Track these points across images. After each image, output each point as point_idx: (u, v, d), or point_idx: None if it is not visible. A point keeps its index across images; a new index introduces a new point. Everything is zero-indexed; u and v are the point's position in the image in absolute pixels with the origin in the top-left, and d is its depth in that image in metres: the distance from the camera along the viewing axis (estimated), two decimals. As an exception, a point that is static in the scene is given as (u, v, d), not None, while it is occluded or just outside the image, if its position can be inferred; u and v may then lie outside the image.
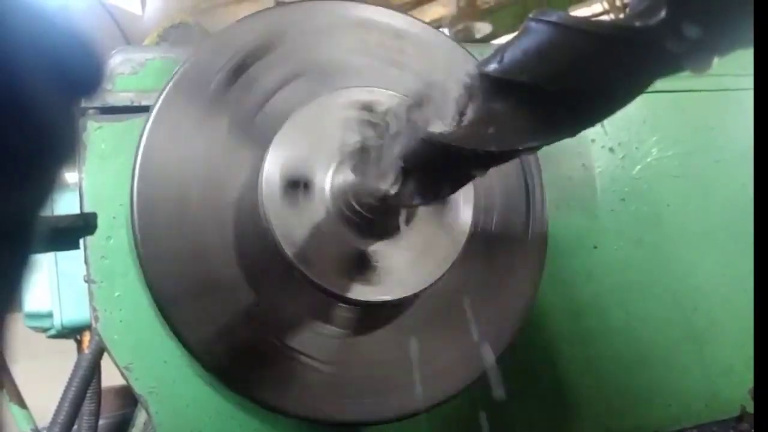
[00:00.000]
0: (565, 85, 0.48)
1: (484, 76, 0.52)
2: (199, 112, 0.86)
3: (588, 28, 0.45)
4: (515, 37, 0.51)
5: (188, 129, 0.86)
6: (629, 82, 0.47)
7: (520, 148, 0.55)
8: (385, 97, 0.85)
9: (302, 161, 0.81)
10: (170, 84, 0.87)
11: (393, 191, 0.67)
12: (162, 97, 0.86)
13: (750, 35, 0.41)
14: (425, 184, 0.65)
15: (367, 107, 0.83)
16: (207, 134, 0.86)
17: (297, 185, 0.81)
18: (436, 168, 0.63)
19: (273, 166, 0.81)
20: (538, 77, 0.49)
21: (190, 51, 0.90)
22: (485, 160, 0.58)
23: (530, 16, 0.48)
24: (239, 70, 0.88)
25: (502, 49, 0.51)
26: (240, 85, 0.88)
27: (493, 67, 0.51)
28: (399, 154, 0.64)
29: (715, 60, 0.43)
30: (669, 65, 0.44)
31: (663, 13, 0.41)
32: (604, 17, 4.63)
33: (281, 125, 0.83)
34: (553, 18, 0.46)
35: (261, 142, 0.84)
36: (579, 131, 0.53)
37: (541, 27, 0.47)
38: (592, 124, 0.53)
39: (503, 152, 0.56)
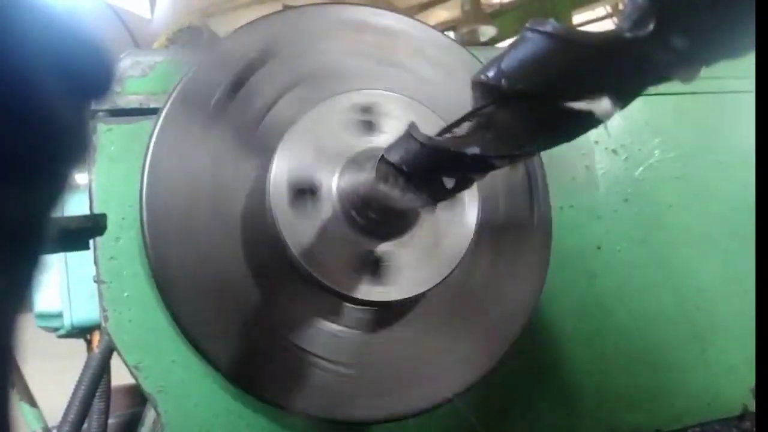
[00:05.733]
0: (560, 93, 0.49)
1: (483, 84, 0.54)
2: (201, 128, 0.87)
3: (580, 39, 0.46)
4: (512, 46, 0.52)
5: (193, 140, 0.87)
6: (621, 90, 0.49)
7: (518, 153, 0.56)
8: (383, 98, 0.86)
9: (308, 168, 0.83)
10: (170, 101, 0.88)
11: (395, 195, 0.68)
12: (163, 114, 0.87)
13: (735, 46, 0.43)
14: (427, 187, 0.66)
15: (367, 109, 0.84)
16: (212, 142, 0.87)
17: (304, 192, 0.82)
18: (437, 172, 0.64)
19: (280, 174, 0.82)
20: (533, 85, 0.50)
21: (189, 66, 0.91)
22: (485, 165, 0.59)
23: (527, 25, 0.50)
24: (238, 83, 0.89)
25: (500, 57, 0.52)
26: (240, 97, 0.89)
27: (490, 74, 0.52)
28: (401, 158, 0.65)
29: (701, 70, 0.44)
30: (658, 75, 0.45)
31: (651, 26, 0.42)
32: (607, 21, 4.63)
33: (284, 133, 0.84)
34: (548, 28, 0.47)
35: (265, 151, 0.85)
36: (575, 137, 0.55)
37: (536, 37, 0.49)
38: (587, 129, 0.54)
39: (502, 157, 0.57)
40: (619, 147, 1.27)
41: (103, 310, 0.94)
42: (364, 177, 0.76)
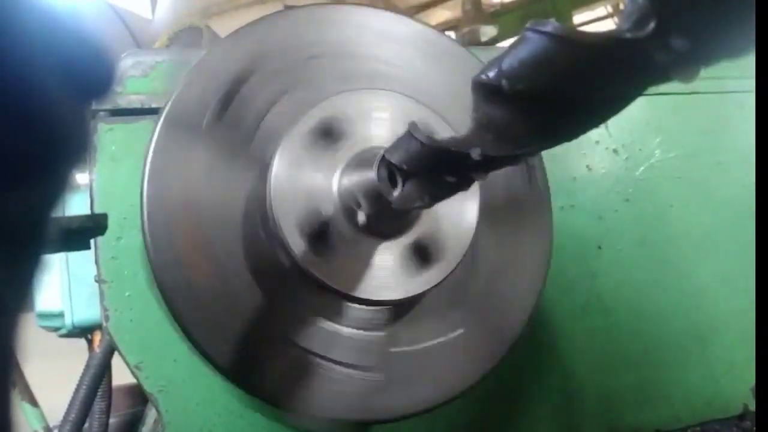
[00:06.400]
0: (560, 93, 0.49)
1: (483, 84, 0.54)
2: (194, 148, 0.87)
3: (580, 39, 0.46)
4: (512, 46, 0.52)
5: (192, 141, 0.86)
6: (620, 90, 0.49)
7: (519, 153, 0.56)
8: (387, 99, 0.86)
9: (310, 163, 0.83)
10: (160, 125, 0.86)
11: (396, 194, 0.68)
12: (164, 115, 0.87)
13: (735, 46, 0.43)
14: (427, 187, 0.66)
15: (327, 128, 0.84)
16: (211, 143, 0.87)
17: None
18: (437, 172, 0.64)
19: (281, 168, 0.82)
20: (534, 85, 0.50)
21: (175, 86, 0.89)
22: (486, 165, 0.59)
23: (527, 26, 0.50)
24: (228, 98, 0.88)
25: (500, 58, 0.52)
26: (232, 112, 0.88)
27: (491, 75, 0.52)
28: (401, 158, 0.65)
29: (701, 70, 0.44)
30: (657, 75, 0.46)
31: (651, 26, 0.42)
32: (607, 20, 4.65)
33: (280, 139, 0.84)
34: (548, 28, 0.47)
35: (262, 159, 0.85)
36: (576, 136, 0.55)
37: (536, 37, 0.49)
38: (588, 129, 0.54)
39: (503, 157, 0.57)
40: (620, 147, 1.27)
41: (104, 309, 0.94)
42: (364, 176, 0.76)
